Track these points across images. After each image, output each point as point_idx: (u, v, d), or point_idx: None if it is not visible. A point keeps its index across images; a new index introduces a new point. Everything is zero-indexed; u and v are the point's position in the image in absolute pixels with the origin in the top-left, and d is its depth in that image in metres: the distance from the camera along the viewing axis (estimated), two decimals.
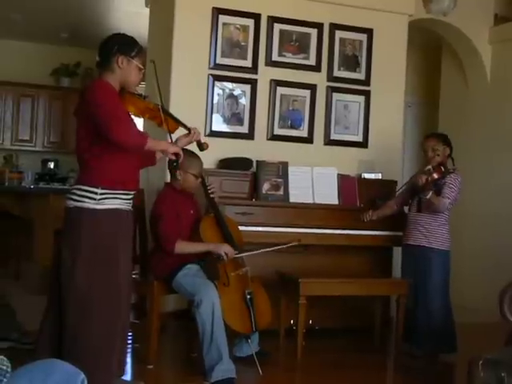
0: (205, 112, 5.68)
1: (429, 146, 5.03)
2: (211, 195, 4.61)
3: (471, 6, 6.97)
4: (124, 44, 3.49)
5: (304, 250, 5.30)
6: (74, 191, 3.41)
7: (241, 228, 4.83)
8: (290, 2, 5.98)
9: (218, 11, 5.73)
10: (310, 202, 5.53)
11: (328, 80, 6.09)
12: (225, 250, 4.35)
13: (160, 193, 4.65)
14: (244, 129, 5.83)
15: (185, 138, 3.82)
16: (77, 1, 7.82)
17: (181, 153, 3.56)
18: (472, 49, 7.23)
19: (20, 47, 9.78)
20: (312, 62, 6.03)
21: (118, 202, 3.43)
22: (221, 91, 5.77)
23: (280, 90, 5.94)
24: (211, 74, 5.73)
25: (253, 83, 5.85)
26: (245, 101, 5.84)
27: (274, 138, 5.93)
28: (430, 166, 4.90)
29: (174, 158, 3.57)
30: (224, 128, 5.77)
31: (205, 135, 5.41)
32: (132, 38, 3.57)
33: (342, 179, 5.71)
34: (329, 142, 6.10)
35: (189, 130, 3.82)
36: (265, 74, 5.89)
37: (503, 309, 3.79)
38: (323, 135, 6.09)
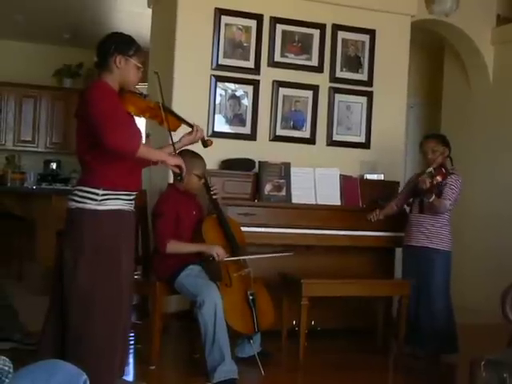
0: (207, 113, 5.69)
1: (428, 147, 5.03)
2: (214, 196, 4.61)
3: (473, 7, 6.97)
4: (121, 43, 3.45)
5: (306, 250, 5.32)
6: (76, 192, 3.40)
7: (243, 229, 4.83)
8: (292, 3, 5.98)
9: (220, 12, 5.73)
10: (313, 202, 5.53)
11: (330, 81, 6.09)
12: (217, 251, 4.33)
13: (163, 193, 4.66)
14: (246, 129, 5.84)
15: (188, 137, 3.80)
16: (79, 1, 7.83)
17: (183, 165, 3.49)
18: (474, 49, 7.23)
19: (22, 48, 9.79)
20: (314, 62, 6.03)
21: (119, 202, 3.42)
22: (223, 92, 5.77)
23: (282, 91, 5.94)
24: (213, 75, 5.73)
25: (255, 84, 5.85)
26: (247, 101, 5.84)
27: (277, 138, 5.93)
28: (431, 169, 4.89)
29: (177, 170, 3.51)
30: (226, 129, 5.77)
31: (207, 136, 5.40)
32: (129, 36, 3.52)
33: (345, 180, 5.71)
34: (331, 142, 6.10)
35: (192, 126, 3.78)
36: (267, 75, 5.89)
37: (505, 310, 3.79)
38: (325, 136, 6.09)
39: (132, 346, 4.78)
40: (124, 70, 3.43)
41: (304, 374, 4.62)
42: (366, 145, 6.20)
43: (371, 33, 6.20)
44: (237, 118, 5.82)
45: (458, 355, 4.97)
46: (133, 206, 3.55)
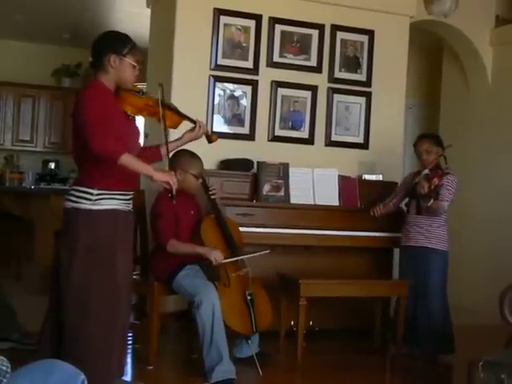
0: (206, 113, 5.68)
1: (422, 148, 5.03)
2: (212, 196, 4.61)
3: (472, 8, 6.97)
4: (115, 42, 3.41)
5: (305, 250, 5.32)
6: (72, 192, 3.39)
7: (241, 229, 4.83)
8: (291, 3, 5.98)
9: (219, 12, 5.73)
10: (311, 203, 5.53)
11: (329, 81, 6.09)
12: (215, 256, 4.29)
13: (160, 192, 4.65)
14: (245, 130, 5.84)
15: (189, 134, 3.76)
16: (78, 1, 7.83)
17: (171, 181, 3.35)
18: (473, 50, 7.23)
19: (21, 47, 9.79)
20: (313, 63, 6.03)
21: (114, 202, 3.40)
22: (222, 92, 5.77)
23: (281, 91, 5.94)
24: (212, 75, 5.73)
25: (254, 84, 5.85)
26: (246, 102, 5.84)
27: (275, 139, 5.93)
28: (427, 171, 4.88)
29: (166, 186, 3.41)
30: (225, 129, 5.77)
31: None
32: (124, 35, 3.47)
33: (343, 180, 5.71)
34: (330, 143, 6.11)
35: (194, 122, 3.73)
36: (266, 75, 5.89)
37: (503, 311, 3.79)
38: (324, 136, 6.09)
39: (130, 346, 4.78)
40: (119, 70, 3.39)
41: (302, 374, 4.62)
42: (364, 145, 6.20)
43: (370, 33, 6.20)
44: (235, 118, 5.82)
45: (455, 356, 4.98)
46: (130, 205, 3.53)
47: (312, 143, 6.05)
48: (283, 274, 4.98)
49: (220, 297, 4.16)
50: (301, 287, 4.67)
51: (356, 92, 6.18)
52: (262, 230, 5.19)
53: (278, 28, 5.92)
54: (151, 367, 4.37)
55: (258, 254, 4.51)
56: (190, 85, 5.65)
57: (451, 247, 5.11)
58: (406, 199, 5.27)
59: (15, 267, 7.46)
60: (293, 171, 5.55)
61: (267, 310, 4.54)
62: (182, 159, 4.43)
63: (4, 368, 2.12)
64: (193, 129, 3.77)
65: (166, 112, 3.57)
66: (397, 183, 5.86)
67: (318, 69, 6.05)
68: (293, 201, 5.49)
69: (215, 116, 5.75)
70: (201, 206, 4.71)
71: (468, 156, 7.20)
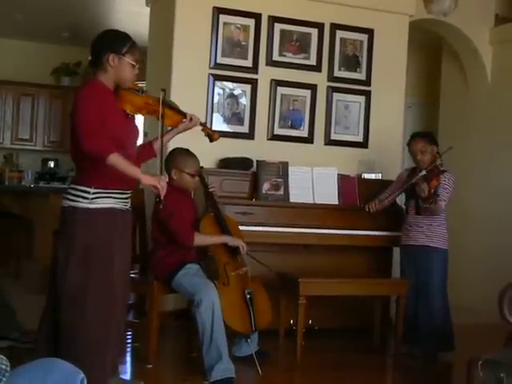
0: (205, 111, 5.67)
1: (416, 148, 5.02)
2: (210, 189, 4.62)
3: (472, 7, 6.96)
4: (114, 41, 3.40)
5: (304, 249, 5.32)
6: (70, 191, 3.39)
7: (241, 228, 4.83)
8: (290, 2, 5.97)
9: (218, 11, 5.73)
10: (310, 201, 5.53)
11: (328, 80, 6.09)
12: (242, 243, 4.43)
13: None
14: (244, 128, 5.83)
15: (182, 124, 3.70)
16: (78, 1, 7.83)
17: (159, 186, 3.32)
18: (472, 49, 7.23)
19: (21, 46, 9.79)
20: (312, 61, 6.03)
21: (111, 201, 3.39)
22: (221, 91, 5.77)
23: (280, 90, 5.94)
24: (212, 74, 5.73)
25: (253, 83, 5.85)
26: (245, 100, 5.84)
27: (275, 137, 5.93)
28: (424, 172, 4.87)
29: (154, 190, 3.38)
30: (224, 128, 5.76)
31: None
32: (123, 33, 3.46)
33: (342, 179, 5.71)
34: (329, 142, 6.10)
35: (184, 115, 3.69)
36: (265, 74, 5.89)
37: (503, 310, 3.79)
38: (323, 135, 6.09)
39: (129, 345, 4.78)
40: (118, 69, 3.38)
41: (301, 373, 4.62)
42: (363, 144, 6.20)
43: (369, 32, 6.20)
44: (235, 117, 5.82)
45: (455, 355, 4.98)
46: (128, 204, 3.51)
47: (311, 142, 6.04)
48: (283, 272, 4.98)
49: (220, 295, 4.16)
50: (300, 286, 4.67)
51: (355, 91, 6.18)
52: (261, 228, 5.20)
53: (278, 27, 5.92)
54: (151, 366, 4.37)
55: (259, 261, 4.54)
56: (190, 83, 5.64)
57: (451, 246, 5.11)
58: (405, 199, 5.26)
59: (14, 266, 7.47)
60: (292, 170, 5.55)
61: (266, 309, 4.54)
62: (177, 158, 4.42)
63: (3, 367, 2.12)
64: (183, 121, 3.71)
65: (166, 111, 3.56)
66: None
67: (317, 67, 6.05)
68: (292, 199, 5.49)
69: (214, 115, 5.74)
70: (197, 205, 4.69)
71: (467, 155, 7.20)
